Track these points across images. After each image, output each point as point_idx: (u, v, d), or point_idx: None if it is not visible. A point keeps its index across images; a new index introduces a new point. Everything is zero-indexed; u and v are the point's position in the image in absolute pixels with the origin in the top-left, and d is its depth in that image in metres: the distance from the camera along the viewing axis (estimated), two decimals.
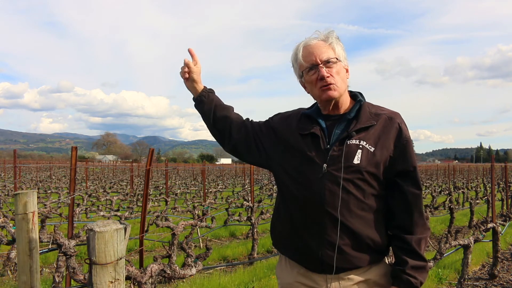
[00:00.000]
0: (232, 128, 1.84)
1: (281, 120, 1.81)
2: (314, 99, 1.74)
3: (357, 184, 1.55)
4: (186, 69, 1.83)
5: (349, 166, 1.55)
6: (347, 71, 1.71)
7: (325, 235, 1.55)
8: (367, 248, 1.58)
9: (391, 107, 1.68)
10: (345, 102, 1.70)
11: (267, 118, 1.90)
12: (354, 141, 1.58)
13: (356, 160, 1.55)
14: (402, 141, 1.60)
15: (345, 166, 1.55)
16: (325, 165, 1.57)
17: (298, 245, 1.63)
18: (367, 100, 1.73)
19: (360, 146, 1.57)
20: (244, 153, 1.86)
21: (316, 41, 1.64)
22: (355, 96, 1.74)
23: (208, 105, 1.86)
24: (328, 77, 1.60)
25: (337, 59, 1.63)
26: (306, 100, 1.83)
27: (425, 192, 15.22)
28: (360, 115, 1.62)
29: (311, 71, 1.64)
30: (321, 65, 1.61)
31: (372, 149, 1.56)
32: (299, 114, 1.78)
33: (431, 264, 3.20)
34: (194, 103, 1.90)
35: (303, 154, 1.63)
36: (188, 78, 1.85)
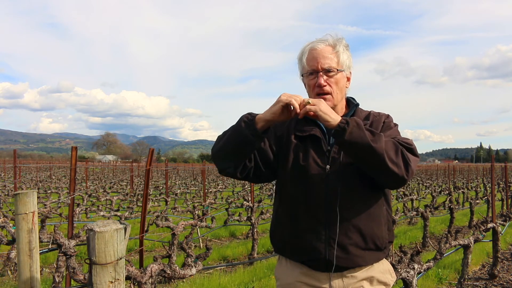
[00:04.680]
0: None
1: (280, 123, 1.75)
2: None
3: (360, 182, 1.59)
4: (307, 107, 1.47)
5: (351, 165, 1.58)
6: (348, 79, 1.74)
7: (332, 235, 1.57)
8: (372, 246, 1.60)
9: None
10: (341, 108, 1.74)
11: None
12: None
13: None
14: (389, 128, 1.67)
15: (347, 165, 1.58)
16: (328, 166, 1.59)
17: (304, 248, 1.63)
18: (366, 99, 1.76)
19: None
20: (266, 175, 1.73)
21: (324, 45, 1.65)
22: (349, 101, 1.79)
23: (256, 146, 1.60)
24: (325, 86, 1.63)
25: (338, 70, 1.65)
26: None
27: (425, 192, 15.23)
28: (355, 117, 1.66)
29: (311, 75, 1.66)
30: (321, 72, 1.63)
31: None
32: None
33: (431, 264, 3.20)
34: (247, 130, 1.51)
35: (305, 156, 1.64)
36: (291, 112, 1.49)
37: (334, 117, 1.45)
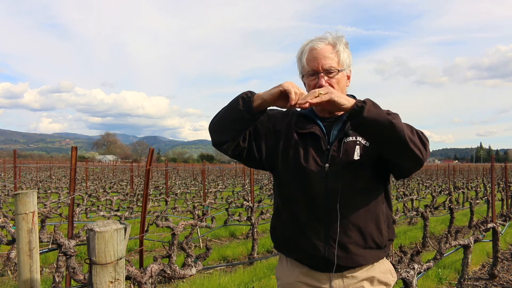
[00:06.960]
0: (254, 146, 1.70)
1: (281, 118, 1.77)
2: None
3: (360, 180, 1.58)
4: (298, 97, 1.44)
5: (350, 163, 1.58)
6: (348, 78, 1.73)
7: (332, 234, 1.57)
8: (372, 244, 1.60)
9: (391, 107, 1.70)
10: None
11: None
12: (351, 139, 1.62)
13: (356, 156, 1.58)
14: None
15: (346, 164, 1.58)
16: (327, 164, 1.59)
17: (303, 246, 1.62)
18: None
19: (358, 142, 1.61)
20: (252, 159, 1.72)
21: (323, 45, 1.63)
22: None
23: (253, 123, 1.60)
24: (326, 87, 1.61)
25: (338, 70, 1.63)
26: None
27: (425, 192, 15.23)
28: None
29: (311, 76, 1.64)
30: (322, 73, 1.61)
31: (368, 144, 1.60)
32: (295, 114, 1.77)
33: (431, 264, 3.20)
34: (246, 108, 1.50)
35: (304, 154, 1.63)
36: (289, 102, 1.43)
37: (349, 99, 1.42)
